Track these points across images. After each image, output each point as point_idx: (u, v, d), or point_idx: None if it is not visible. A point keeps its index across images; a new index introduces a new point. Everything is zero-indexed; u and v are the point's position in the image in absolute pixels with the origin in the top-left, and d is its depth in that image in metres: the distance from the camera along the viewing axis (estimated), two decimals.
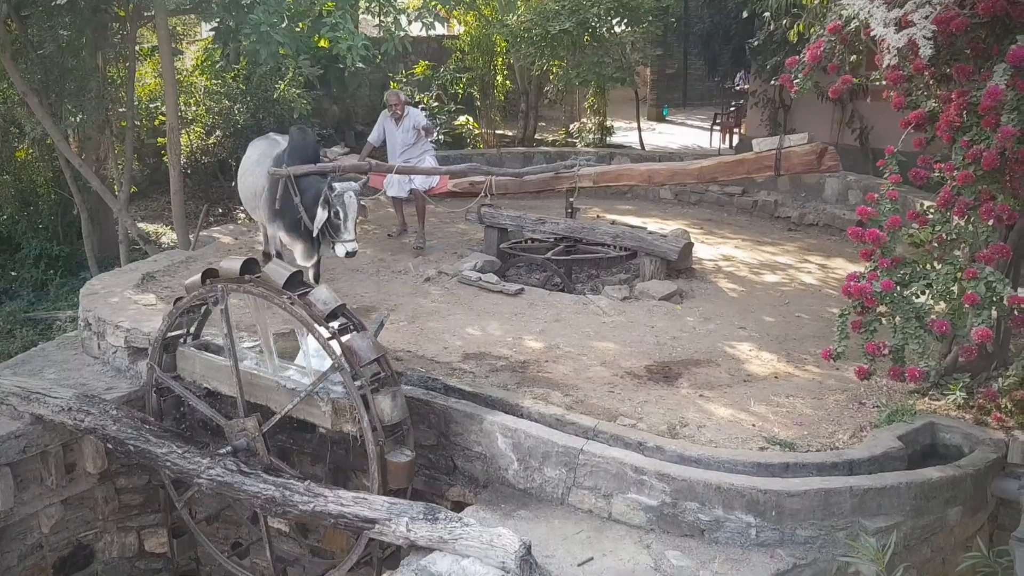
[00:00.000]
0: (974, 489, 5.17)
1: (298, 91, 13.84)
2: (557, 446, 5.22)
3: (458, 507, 5.53)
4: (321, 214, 6.80)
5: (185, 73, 14.09)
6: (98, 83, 10.79)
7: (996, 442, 5.35)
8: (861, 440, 5.43)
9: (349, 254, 6.85)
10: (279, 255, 7.51)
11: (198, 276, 5.87)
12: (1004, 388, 5.57)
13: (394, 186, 9.53)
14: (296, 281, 5.49)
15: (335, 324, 5.38)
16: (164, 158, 14.00)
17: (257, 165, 7.57)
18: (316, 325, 5.32)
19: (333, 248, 6.98)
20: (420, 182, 9.39)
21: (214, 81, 14.58)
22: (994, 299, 4.77)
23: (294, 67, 10.61)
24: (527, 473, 5.37)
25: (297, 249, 7.34)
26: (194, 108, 14.26)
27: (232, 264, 5.66)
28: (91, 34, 10.43)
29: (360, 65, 10.36)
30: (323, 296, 5.41)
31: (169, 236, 12.85)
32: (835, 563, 4.79)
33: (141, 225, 12.49)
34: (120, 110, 11.93)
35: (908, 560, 4.78)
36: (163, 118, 14.08)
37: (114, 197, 10.75)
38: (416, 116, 9.74)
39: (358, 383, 5.25)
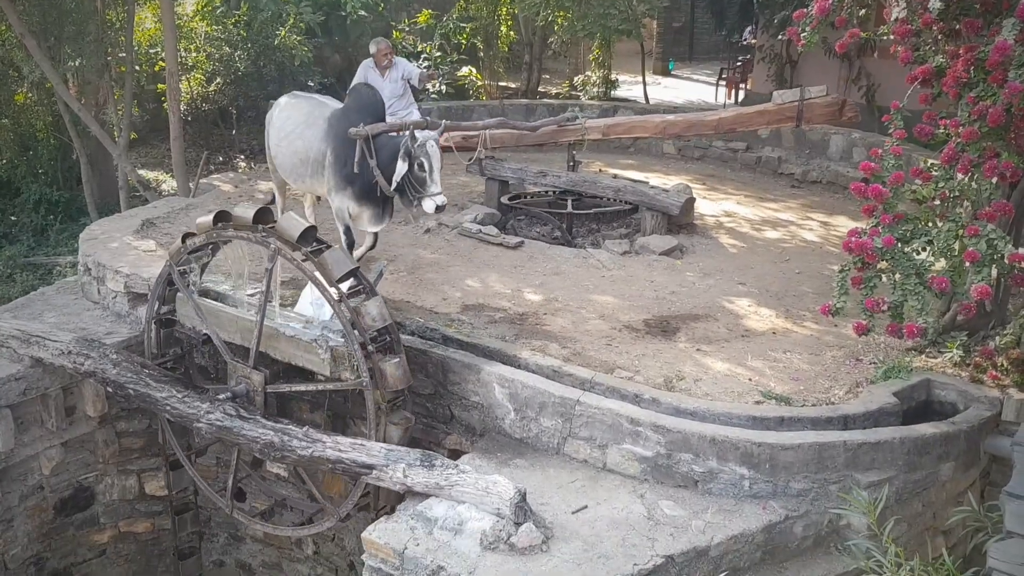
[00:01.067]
0: (967, 446, 5.22)
1: (299, 38, 13.68)
2: (554, 397, 5.25)
3: (455, 455, 5.57)
4: (401, 166, 6.32)
5: (185, 19, 13.94)
6: (97, 26, 10.69)
7: (991, 400, 5.39)
8: (857, 396, 5.48)
9: (439, 208, 6.37)
10: (349, 233, 6.97)
11: (251, 212, 5.55)
12: (1001, 346, 5.60)
13: None
14: (351, 275, 5.35)
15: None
16: (164, 104, 13.94)
17: (307, 128, 6.97)
18: (356, 335, 5.24)
19: (418, 204, 6.48)
20: None
21: (214, 27, 14.43)
22: (995, 257, 4.77)
23: (296, 13, 10.50)
24: (523, 423, 5.41)
25: (365, 215, 6.87)
26: (194, 54, 14.14)
27: (292, 226, 5.38)
28: None
29: (362, 13, 10.27)
30: (374, 312, 5.28)
31: (169, 183, 12.82)
32: (827, 515, 4.86)
33: (140, 172, 12.45)
34: (119, 55, 11.83)
35: (899, 514, 4.84)
36: (163, 64, 13.97)
37: (113, 143, 10.69)
38: (406, 67, 9.06)
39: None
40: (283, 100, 7.49)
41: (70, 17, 10.71)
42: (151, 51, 13.95)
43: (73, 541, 6.94)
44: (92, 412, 6.63)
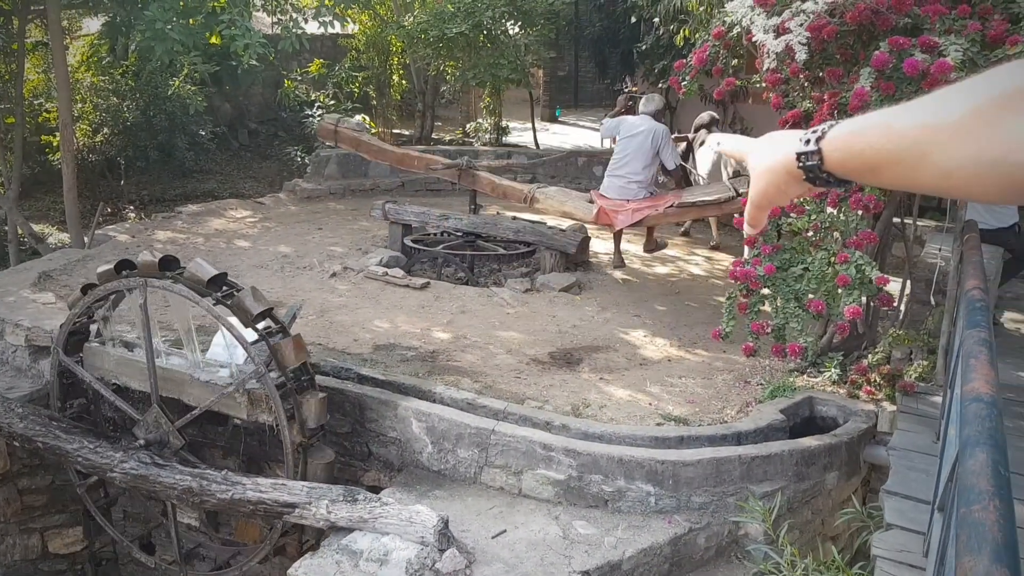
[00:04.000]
0: (848, 456, 5.67)
1: (193, 88, 13.65)
2: (470, 428, 5.47)
3: (374, 491, 5.65)
4: None
5: (70, 69, 13.71)
6: None
7: (867, 413, 5.87)
8: (747, 414, 5.89)
9: None
10: None
11: (157, 259, 5.64)
12: (873, 364, 6.11)
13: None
14: (265, 315, 5.48)
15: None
16: (49, 156, 13.63)
17: None
18: (273, 377, 5.39)
19: None
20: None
21: (101, 78, 14.24)
22: (864, 280, 5.27)
23: (189, 63, 10.53)
24: (441, 455, 5.60)
25: None
26: (80, 105, 13.89)
27: (202, 271, 5.49)
28: None
29: (254, 63, 10.41)
30: (290, 350, 5.44)
31: (56, 236, 12.51)
32: (727, 525, 5.21)
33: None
34: (2, 107, 11.56)
35: (791, 521, 5.23)
36: (47, 115, 13.68)
37: (1, 195, 10.42)
38: None
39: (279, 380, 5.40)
40: None
41: None
42: (35, 102, 13.64)
43: None
44: None
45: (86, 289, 5.95)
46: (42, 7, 9.54)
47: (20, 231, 10.57)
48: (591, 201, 8.73)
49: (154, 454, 5.68)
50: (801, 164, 1.20)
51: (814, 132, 1.19)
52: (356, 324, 7.26)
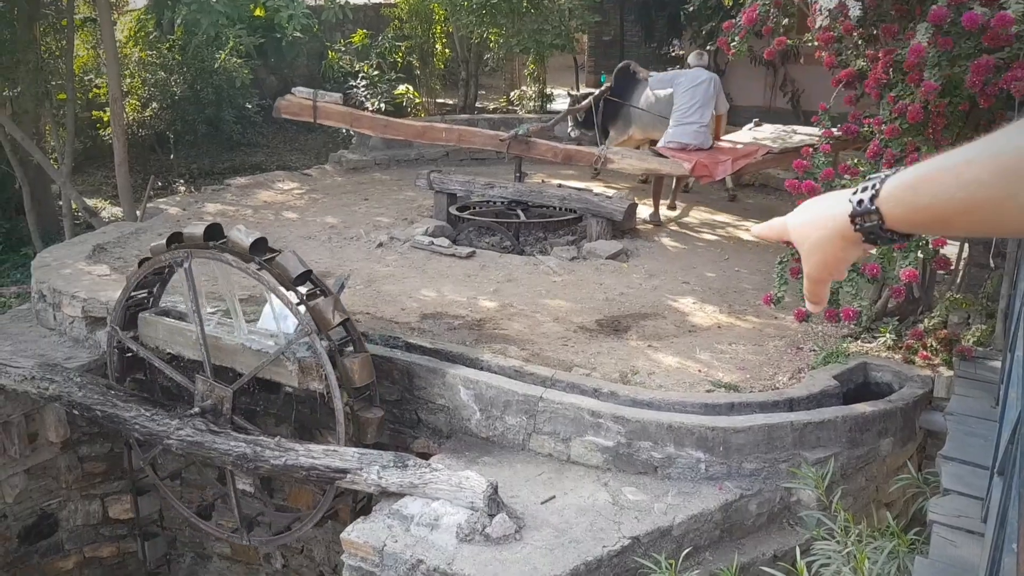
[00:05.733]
0: (903, 422, 5.57)
1: (239, 61, 13.74)
2: (518, 395, 5.46)
3: (423, 458, 5.71)
4: None
5: (118, 45, 13.87)
6: (35, 55, 10.61)
7: (923, 378, 5.75)
8: (800, 380, 5.80)
9: None
10: None
11: (201, 229, 5.73)
12: (929, 328, 5.98)
13: None
14: (305, 277, 5.56)
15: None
16: (101, 132, 13.86)
17: None
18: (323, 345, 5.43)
19: None
20: None
21: (148, 52, 14.40)
22: (920, 243, 5.13)
23: (234, 36, 10.58)
24: (489, 422, 5.61)
25: None
26: (128, 80, 14.07)
27: (243, 238, 5.55)
28: (25, 4, 10.24)
29: (298, 34, 10.41)
30: (330, 308, 5.47)
31: (109, 210, 12.74)
32: (779, 492, 5.15)
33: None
34: (54, 83, 11.74)
35: (845, 488, 5.16)
36: (97, 91, 13.89)
37: (56, 170, 10.62)
38: None
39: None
40: None
41: (6, 47, 10.61)
42: (86, 78, 13.84)
43: (38, 570, 6.90)
44: (54, 437, 6.63)
45: (142, 263, 6.04)
46: None
47: (74, 205, 10.77)
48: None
49: (209, 422, 5.77)
50: (858, 227, 1.11)
51: (865, 190, 1.10)
52: (403, 293, 7.29)
